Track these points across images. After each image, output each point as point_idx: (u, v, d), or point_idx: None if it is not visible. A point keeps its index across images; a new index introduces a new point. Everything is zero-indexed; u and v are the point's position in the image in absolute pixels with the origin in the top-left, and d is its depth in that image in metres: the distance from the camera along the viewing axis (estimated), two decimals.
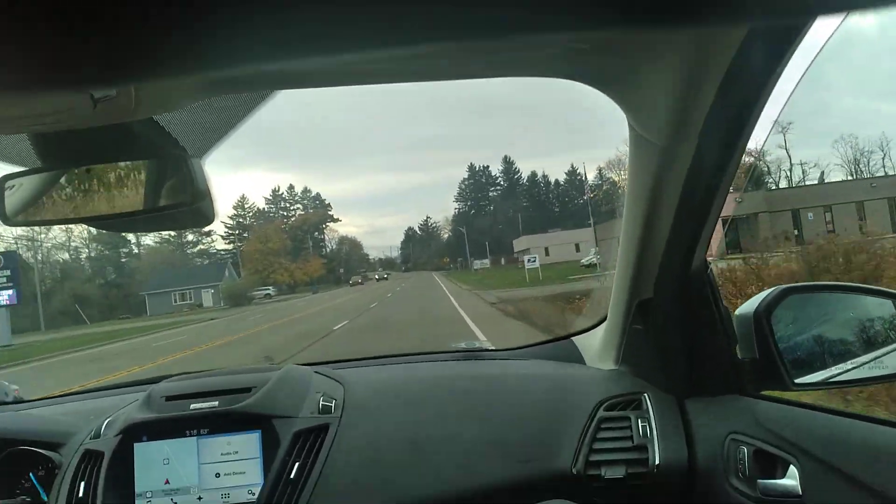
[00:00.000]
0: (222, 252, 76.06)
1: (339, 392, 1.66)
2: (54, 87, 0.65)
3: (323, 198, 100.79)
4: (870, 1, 0.32)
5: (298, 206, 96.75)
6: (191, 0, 0.27)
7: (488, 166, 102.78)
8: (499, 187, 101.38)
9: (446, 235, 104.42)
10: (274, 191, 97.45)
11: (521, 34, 0.32)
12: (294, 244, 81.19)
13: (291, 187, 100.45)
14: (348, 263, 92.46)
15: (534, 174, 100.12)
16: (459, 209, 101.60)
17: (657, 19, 0.32)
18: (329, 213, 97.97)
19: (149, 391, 1.62)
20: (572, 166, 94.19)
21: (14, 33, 0.28)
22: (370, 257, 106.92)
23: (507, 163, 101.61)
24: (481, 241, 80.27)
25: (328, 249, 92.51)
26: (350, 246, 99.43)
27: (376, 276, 72.72)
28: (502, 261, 63.92)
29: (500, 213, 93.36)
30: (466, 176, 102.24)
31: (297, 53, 0.32)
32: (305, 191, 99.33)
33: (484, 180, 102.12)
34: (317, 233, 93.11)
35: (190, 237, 72.42)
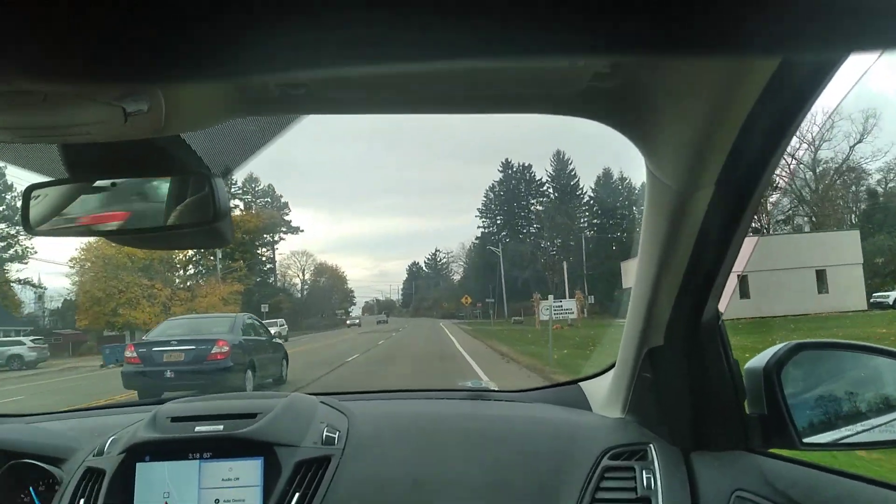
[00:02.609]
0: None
1: (344, 424, 1.65)
2: (87, 93, 0.67)
3: (278, 194, 72.75)
4: None
5: (237, 200, 65.80)
6: (220, 7, 0.28)
7: (530, 165, 76.47)
8: (544, 197, 74.96)
9: (461, 270, 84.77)
10: None
11: (547, 55, 0.32)
12: (200, 258, 49.80)
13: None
14: (326, 301, 73.24)
15: (607, 173, 69.42)
16: (485, 229, 77.42)
17: (689, 48, 0.32)
18: (285, 216, 69.03)
19: (155, 411, 1.62)
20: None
21: (47, 40, 0.29)
22: (354, 295, 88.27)
23: (560, 161, 73.19)
24: (514, 274, 60.07)
25: (281, 277, 67.83)
26: (332, 278, 78.67)
27: (351, 322, 57.48)
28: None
29: (555, 232, 66.05)
30: (497, 181, 77.21)
31: (324, 63, 0.33)
32: (251, 179, 68.96)
33: (523, 187, 76.37)
34: (262, 246, 62.82)
35: None
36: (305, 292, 71.59)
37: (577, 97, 1.01)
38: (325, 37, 0.30)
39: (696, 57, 0.39)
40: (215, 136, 1.04)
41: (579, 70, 0.93)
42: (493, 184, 78.69)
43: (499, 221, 77.62)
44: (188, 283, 45.28)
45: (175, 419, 1.57)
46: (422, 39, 0.31)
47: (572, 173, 73.00)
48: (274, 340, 13.14)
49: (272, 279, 59.62)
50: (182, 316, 15.09)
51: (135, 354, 10.63)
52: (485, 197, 78.94)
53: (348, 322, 56.73)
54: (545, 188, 75.97)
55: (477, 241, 79.64)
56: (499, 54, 0.33)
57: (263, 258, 64.21)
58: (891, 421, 1.27)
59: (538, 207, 74.56)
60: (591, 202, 70.08)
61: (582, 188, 72.01)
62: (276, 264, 64.76)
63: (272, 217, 66.64)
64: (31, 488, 1.54)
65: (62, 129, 0.77)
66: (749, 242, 1.19)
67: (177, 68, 0.32)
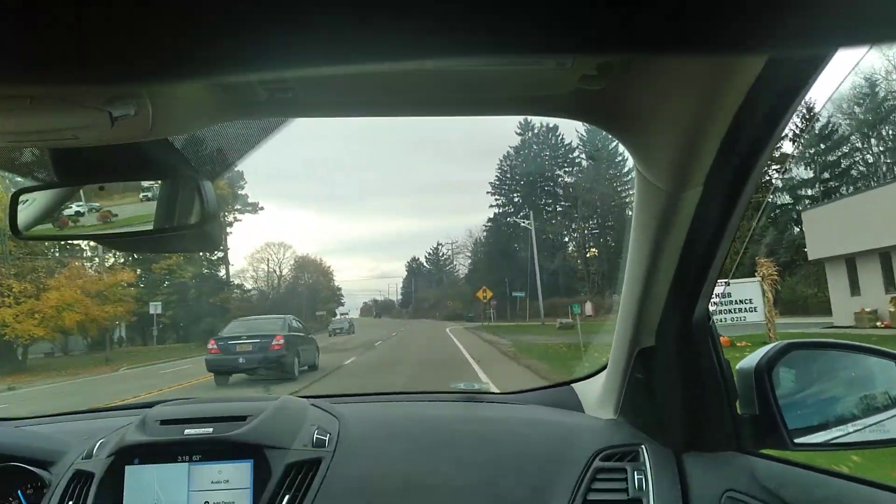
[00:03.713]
0: None
1: (335, 426, 1.64)
2: (74, 97, 0.67)
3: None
4: (893, 35, 0.31)
5: None
6: (205, 6, 0.28)
7: (556, 126, 58.48)
8: (574, 166, 58.46)
9: (467, 263, 69.82)
10: None
11: (534, 54, 0.32)
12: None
13: None
14: (311, 300, 61.67)
15: None
16: (500, 208, 61.83)
17: (675, 46, 0.32)
18: (240, 191, 52.11)
19: (144, 414, 1.62)
20: None
21: (32, 43, 0.29)
22: (342, 294, 74.47)
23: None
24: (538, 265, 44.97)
25: (253, 272, 57.97)
26: (316, 273, 66.74)
27: (336, 327, 42.31)
28: None
29: (589, 209, 51.64)
30: (514, 148, 61.30)
31: (310, 63, 0.33)
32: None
33: (547, 154, 59.79)
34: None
35: None
36: (282, 289, 60.45)
37: (565, 99, 1.01)
38: (311, 36, 0.30)
39: (682, 56, 0.39)
40: (204, 140, 1.03)
41: (567, 72, 0.93)
42: (508, 151, 61.77)
43: (517, 199, 60.61)
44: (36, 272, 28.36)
45: (164, 422, 1.57)
46: (409, 39, 0.31)
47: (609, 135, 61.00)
48: (309, 336, 16.91)
49: (222, 271, 47.00)
50: (245, 318, 18.89)
51: (215, 346, 14.58)
52: (498, 169, 62.04)
53: (331, 327, 42.19)
54: (575, 155, 58.42)
55: (489, 225, 63.76)
56: (486, 54, 0.33)
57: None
58: (882, 421, 1.27)
59: (567, 179, 57.81)
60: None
61: (622, 153, 48.66)
62: (228, 252, 48.98)
63: (218, 190, 58.10)
64: (19, 491, 1.53)
65: (49, 132, 0.77)
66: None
67: (162, 68, 0.32)
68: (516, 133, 61.66)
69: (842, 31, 0.32)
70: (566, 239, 55.74)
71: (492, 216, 63.79)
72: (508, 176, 61.92)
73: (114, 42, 0.30)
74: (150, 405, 1.76)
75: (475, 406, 1.91)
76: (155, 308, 32.57)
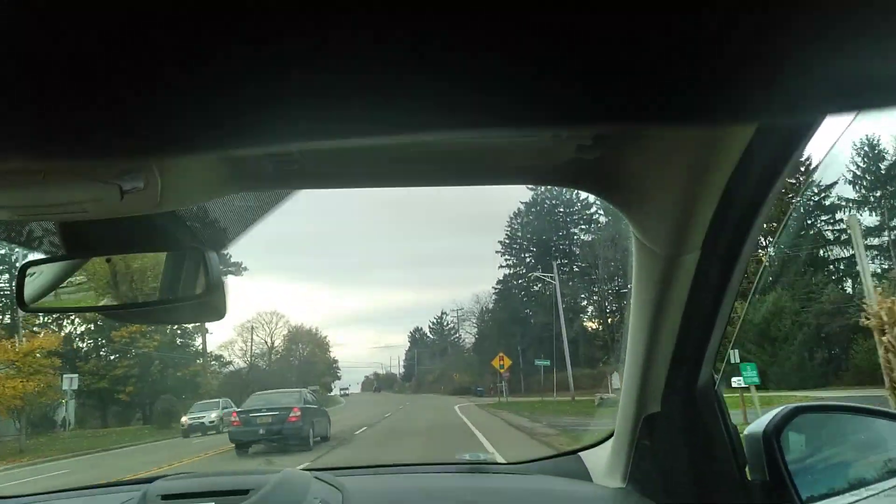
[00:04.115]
0: None
1: (338, 499, 1.60)
2: (85, 172, 0.69)
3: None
4: (881, 100, 0.32)
5: None
6: (210, 81, 0.30)
7: None
8: (591, 223, 51.92)
9: (473, 331, 61.90)
10: None
11: (529, 127, 0.34)
12: None
13: None
14: (306, 373, 55.19)
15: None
16: (511, 269, 55.45)
17: (666, 118, 0.33)
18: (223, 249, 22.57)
19: (145, 490, 1.58)
20: None
21: (45, 119, 0.30)
22: (339, 367, 68.65)
23: None
24: (550, 331, 38.48)
25: (243, 343, 50.50)
26: (311, 344, 61.55)
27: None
28: None
29: (609, 270, 43.52)
30: (525, 204, 54.39)
31: (314, 135, 0.35)
32: None
33: (561, 210, 53.72)
34: None
35: None
36: (272, 362, 54.76)
37: (562, 168, 1.04)
38: (316, 111, 0.32)
39: (672, 127, 0.42)
40: (209, 211, 1.06)
41: (564, 142, 0.96)
42: (518, 208, 55.29)
43: (529, 259, 54.84)
44: None
45: (166, 497, 1.53)
46: (410, 114, 0.32)
47: None
48: (321, 408, 17.98)
49: (197, 341, 41.09)
50: (263, 392, 19.29)
51: (237, 419, 15.75)
52: (508, 227, 55.97)
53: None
54: (592, 211, 51.97)
55: (499, 288, 56.74)
56: (483, 127, 0.34)
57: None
58: (895, 486, 1.24)
59: (584, 237, 51.73)
60: None
61: None
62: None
63: None
64: None
65: (60, 206, 0.79)
66: None
67: (172, 142, 0.33)
68: (528, 188, 50.15)
69: (827, 100, 0.33)
70: (584, 303, 49.38)
71: (501, 278, 56.62)
72: (520, 234, 55.71)
73: (126, 117, 0.31)
74: (150, 480, 1.72)
75: (481, 477, 1.87)
76: (70, 382, 25.88)
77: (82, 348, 35.74)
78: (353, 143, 0.36)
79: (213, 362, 44.49)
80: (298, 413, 15.16)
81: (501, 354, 33.87)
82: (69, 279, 1.07)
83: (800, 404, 1.31)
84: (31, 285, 1.04)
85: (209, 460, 15.06)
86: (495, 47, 0.29)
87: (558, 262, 49.00)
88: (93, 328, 34.35)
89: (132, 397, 33.87)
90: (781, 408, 1.29)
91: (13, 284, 1.05)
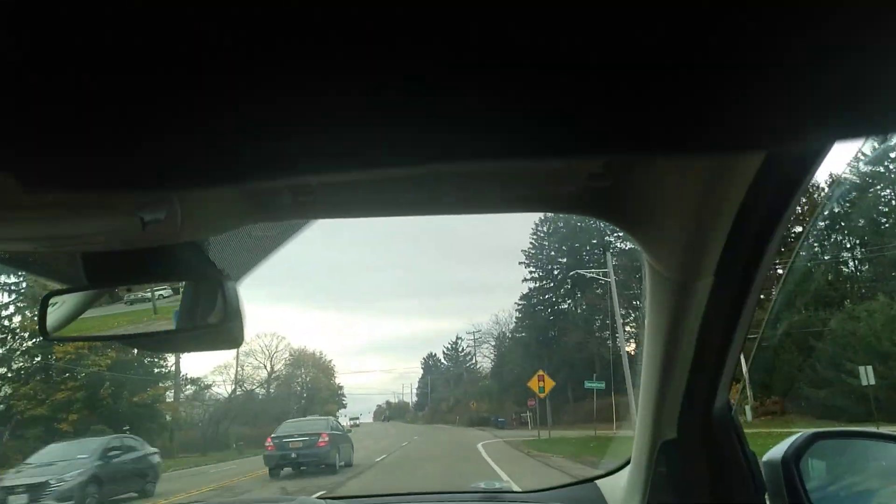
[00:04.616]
0: None
1: None
2: (108, 203, 0.71)
3: None
4: (888, 125, 0.33)
5: None
6: (229, 116, 0.31)
7: None
8: None
9: (492, 355, 56.93)
10: None
11: (544, 155, 0.35)
12: None
13: None
14: (307, 401, 52.31)
15: None
16: (537, 282, 49.98)
17: (676, 145, 0.34)
18: None
19: None
20: None
21: (71, 152, 0.32)
22: (344, 394, 63.54)
23: None
24: (585, 354, 36.04)
25: (240, 369, 45.61)
26: (315, 369, 56.87)
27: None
28: None
29: None
30: None
31: (332, 167, 0.36)
32: None
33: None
34: None
35: None
36: (272, 388, 50.30)
37: (574, 196, 1.05)
38: (334, 144, 0.33)
39: (684, 154, 0.43)
40: (228, 241, 1.07)
41: (575, 170, 0.97)
42: (543, 216, 46.17)
43: (558, 273, 49.09)
44: None
45: None
46: (424, 144, 0.33)
47: None
48: (346, 434, 20.22)
49: (170, 360, 33.95)
50: (294, 420, 21.35)
51: (272, 444, 17.41)
52: (533, 235, 50.26)
53: None
54: None
55: (522, 304, 50.82)
56: (500, 156, 0.35)
57: None
58: None
59: (620, 245, 43.75)
60: None
61: None
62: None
63: None
64: None
65: (83, 237, 0.81)
66: None
67: (194, 175, 0.35)
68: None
69: (835, 126, 0.34)
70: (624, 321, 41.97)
71: (525, 292, 50.52)
72: (546, 244, 49.96)
73: (148, 151, 0.32)
74: None
75: None
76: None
77: (23, 366, 29.18)
78: (368, 174, 0.38)
79: (189, 386, 38.53)
80: (327, 438, 17.12)
81: (541, 373, 26.50)
82: (90, 309, 1.09)
83: (819, 430, 1.29)
84: (53, 315, 1.06)
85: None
86: (506, 77, 0.30)
87: (570, 284, 45.19)
88: (38, 342, 26.86)
89: (76, 427, 26.19)
90: (800, 434, 1.28)
91: (35, 314, 1.06)
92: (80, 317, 1.09)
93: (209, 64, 0.29)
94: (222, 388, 42.94)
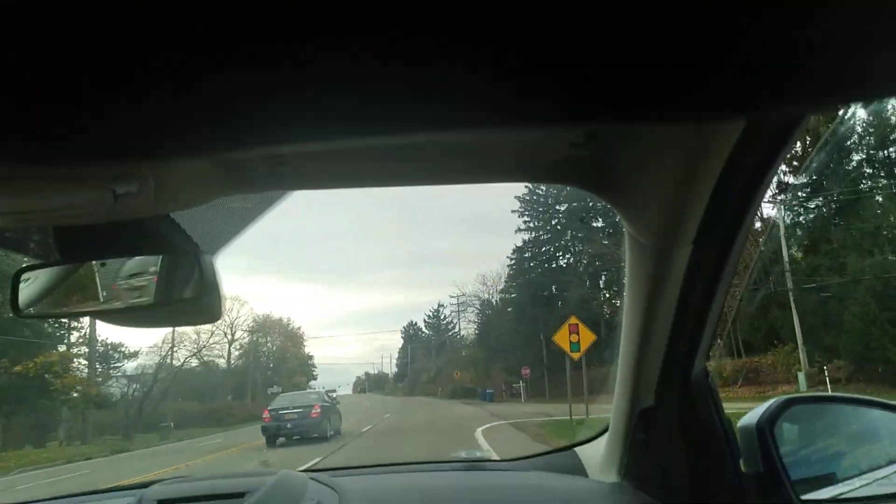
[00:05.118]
0: None
1: (335, 500, 1.61)
2: (79, 176, 0.69)
3: None
4: (861, 93, 0.34)
5: None
6: (200, 84, 0.30)
7: None
8: None
9: (477, 319, 52.18)
10: None
11: (522, 124, 0.35)
12: None
13: None
14: (277, 373, 48.41)
15: None
16: (532, 232, 44.05)
17: (657, 114, 0.34)
18: None
19: (140, 495, 1.58)
20: None
21: (39, 123, 0.31)
22: (314, 364, 60.66)
23: None
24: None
25: (195, 335, 41.42)
26: (282, 337, 52.26)
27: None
28: None
29: None
30: None
31: (308, 136, 0.35)
32: None
33: None
34: None
35: None
36: (232, 361, 45.20)
37: (554, 165, 1.05)
38: (310, 112, 0.32)
39: (664, 123, 0.43)
40: (203, 214, 1.06)
41: (555, 140, 0.97)
42: None
43: (557, 223, 43.44)
44: None
45: (162, 501, 1.53)
46: (401, 113, 0.33)
47: None
48: (335, 406, 21.54)
49: (82, 322, 26.60)
50: (287, 393, 23.31)
51: (269, 416, 19.12)
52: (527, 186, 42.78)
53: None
54: None
55: (514, 258, 45.13)
56: (478, 125, 0.35)
57: None
58: (890, 475, 1.26)
59: None
60: None
61: None
62: None
63: None
64: None
65: (54, 211, 0.79)
66: None
67: (166, 145, 0.34)
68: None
69: (811, 95, 0.34)
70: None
71: (519, 244, 44.29)
72: (542, 189, 42.13)
73: (117, 121, 0.31)
74: (145, 485, 1.72)
75: (477, 475, 1.88)
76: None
77: None
78: (346, 144, 0.37)
79: (113, 353, 32.55)
80: (319, 410, 18.77)
81: (574, 321, 18.15)
82: (63, 284, 1.07)
83: (793, 396, 1.32)
84: (26, 291, 1.04)
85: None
86: (486, 45, 0.30)
87: (569, 237, 39.47)
88: None
89: None
90: (774, 399, 1.30)
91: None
92: (54, 292, 1.07)
93: (179, 32, 0.28)
94: (157, 358, 37.16)
